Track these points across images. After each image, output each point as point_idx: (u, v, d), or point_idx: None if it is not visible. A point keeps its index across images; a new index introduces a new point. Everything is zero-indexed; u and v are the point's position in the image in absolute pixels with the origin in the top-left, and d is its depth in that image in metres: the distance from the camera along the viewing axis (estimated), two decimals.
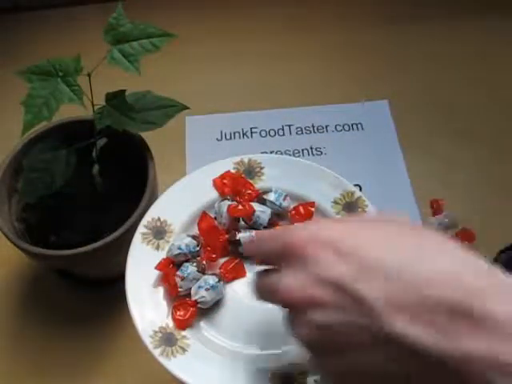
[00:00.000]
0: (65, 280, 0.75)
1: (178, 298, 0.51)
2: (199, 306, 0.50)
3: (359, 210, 0.54)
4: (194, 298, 0.50)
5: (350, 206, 0.54)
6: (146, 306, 0.50)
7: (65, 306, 0.73)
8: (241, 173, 0.57)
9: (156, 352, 0.47)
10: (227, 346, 0.49)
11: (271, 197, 0.55)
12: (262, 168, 0.58)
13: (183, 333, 0.49)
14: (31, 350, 0.71)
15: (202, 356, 0.48)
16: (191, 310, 0.50)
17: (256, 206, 0.54)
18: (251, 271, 0.53)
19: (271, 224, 0.54)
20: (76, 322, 0.72)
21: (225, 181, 0.57)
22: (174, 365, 0.47)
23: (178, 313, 0.49)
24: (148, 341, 0.48)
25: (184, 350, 0.48)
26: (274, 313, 0.49)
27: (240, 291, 0.52)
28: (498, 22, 1.01)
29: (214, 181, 0.57)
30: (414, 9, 1.04)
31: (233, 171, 0.57)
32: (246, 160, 0.58)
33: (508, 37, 1.00)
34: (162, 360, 0.47)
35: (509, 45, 0.99)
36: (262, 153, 0.83)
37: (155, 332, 0.48)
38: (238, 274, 0.53)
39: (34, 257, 0.65)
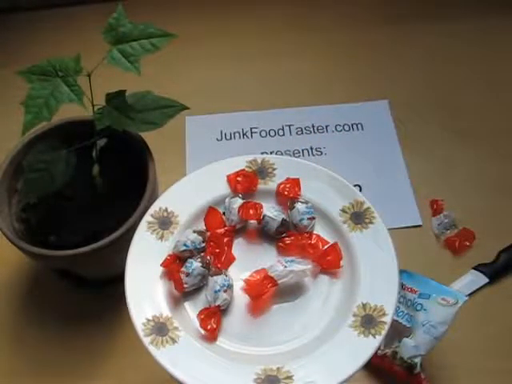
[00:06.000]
0: (65, 280, 0.75)
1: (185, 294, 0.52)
2: (222, 308, 0.50)
3: (367, 220, 0.54)
4: (216, 304, 0.50)
5: (358, 215, 0.54)
6: (143, 293, 0.51)
7: (65, 306, 0.73)
8: (255, 172, 0.58)
9: (146, 340, 0.47)
10: (217, 342, 0.49)
11: (300, 207, 0.55)
12: (274, 169, 0.58)
13: (175, 324, 0.49)
14: (31, 349, 0.71)
15: (191, 349, 0.48)
16: (217, 316, 0.50)
17: (268, 211, 0.55)
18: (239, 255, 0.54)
19: (278, 232, 0.54)
20: (76, 322, 0.72)
21: (238, 178, 0.57)
22: (162, 355, 0.47)
23: (209, 324, 0.49)
24: (140, 328, 0.48)
25: (174, 341, 0.48)
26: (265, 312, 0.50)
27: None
28: (498, 21, 1.01)
29: (228, 177, 0.57)
30: (415, 8, 1.04)
31: (246, 169, 0.58)
32: (259, 160, 0.58)
33: (508, 37, 1.00)
34: (151, 348, 0.47)
35: (509, 45, 0.99)
36: (262, 153, 0.83)
37: (148, 320, 0.49)
38: (230, 260, 0.54)
39: (33, 257, 0.65)
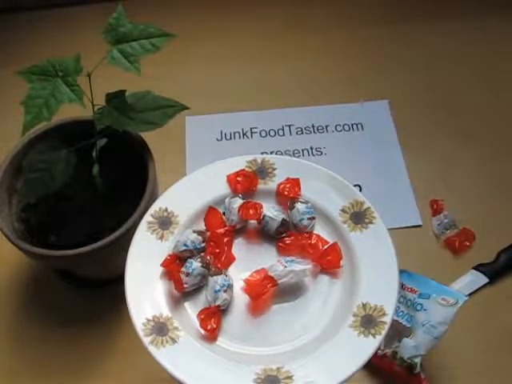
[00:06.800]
0: (65, 280, 0.75)
1: (184, 295, 0.52)
2: (222, 308, 0.50)
3: (367, 220, 0.54)
4: (217, 304, 0.50)
5: (358, 215, 0.54)
6: (143, 293, 0.51)
7: (65, 306, 0.73)
8: (255, 172, 0.58)
9: (146, 340, 0.48)
10: (217, 342, 0.49)
11: (300, 207, 0.55)
12: (274, 169, 0.58)
13: (175, 324, 0.49)
14: (31, 349, 0.71)
15: (191, 349, 0.48)
16: (217, 316, 0.50)
17: (268, 211, 0.55)
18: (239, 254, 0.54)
19: (278, 232, 0.54)
20: (76, 322, 0.72)
21: (238, 178, 0.57)
22: (162, 354, 0.47)
23: (209, 324, 0.49)
24: (140, 328, 0.48)
25: (174, 341, 0.48)
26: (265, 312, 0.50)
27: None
28: (498, 21, 1.01)
29: (228, 177, 0.57)
30: (415, 8, 1.04)
31: (246, 169, 0.58)
32: (259, 160, 0.58)
33: (508, 37, 1.00)
34: (151, 348, 0.47)
35: (509, 45, 0.99)
36: (262, 153, 0.83)
37: (148, 320, 0.49)
38: (230, 260, 0.54)
39: (33, 257, 0.65)
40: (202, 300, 0.51)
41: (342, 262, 0.52)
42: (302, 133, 0.89)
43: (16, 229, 0.67)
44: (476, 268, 0.74)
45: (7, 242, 0.64)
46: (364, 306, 0.49)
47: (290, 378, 0.46)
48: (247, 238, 0.55)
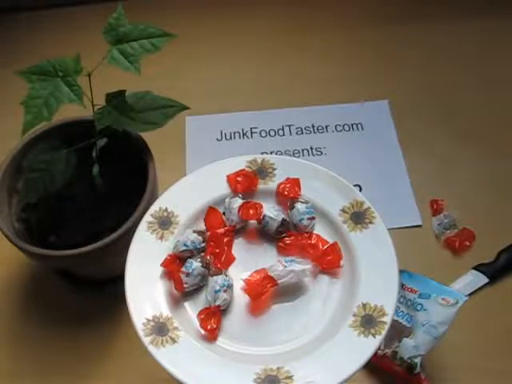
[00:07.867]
0: (65, 280, 0.75)
1: (184, 294, 0.52)
2: (222, 308, 0.50)
3: (367, 220, 0.54)
4: (217, 304, 0.50)
5: (358, 215, 0.54)
6: (143, 293, 0.51)
7: (65, 306, 0.73)
8: (255, 172, 0.58)
9: (146, 340, 0.48)
10: (217, 342, 0.49)
11: (300, 207, 0.55)
12: (274, 169, 0.58)
13: (175, 324, 0.49)
14: (31, 349, 0.71)
15: (191, 349, 0.48)
16: (217, 316, 0.50)
17: (268, 211, 0.55)
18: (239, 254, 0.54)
19: (278, 232, 0.54)
20: (76, 322, 0.72)
21: (239, 178, 0.57)
22: (162, 354, 0.47)
23: (209, 324, 0.49)
24: (140, 328, 0.48)
25: (174, 341, 0.48)
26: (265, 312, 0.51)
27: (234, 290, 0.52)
28: (498, 22, 1.01)
29: (228, 177, 0.57)
30: (415, 9, 1.04)
31: (246, 169, 0.58)
32: (259, 160, 0.58)
33: (508, 37, 1.00)
34: (151, 348, 0.47)
35: (509, 45, 0.99)
36: (262, 153, 0.83)
37: (148, 320, 0.49)
38: (230, 260, 0.54)
39: (34, 257, 0.65)
40: (202, 300, 0.51)
41: (341, 262, 0.52)
42: (302, 133, 0.89)
43: (16, 229, 0.67)
44: (476, 268, 0.74)
45: (7, 242, 0.64)
46: (364, 306, 0.49)
47: (289, 377, 0.46)
48: (247, 238, 0.55)
